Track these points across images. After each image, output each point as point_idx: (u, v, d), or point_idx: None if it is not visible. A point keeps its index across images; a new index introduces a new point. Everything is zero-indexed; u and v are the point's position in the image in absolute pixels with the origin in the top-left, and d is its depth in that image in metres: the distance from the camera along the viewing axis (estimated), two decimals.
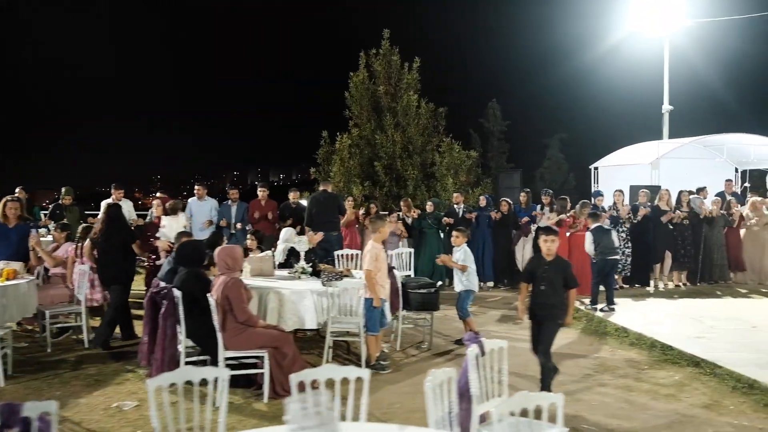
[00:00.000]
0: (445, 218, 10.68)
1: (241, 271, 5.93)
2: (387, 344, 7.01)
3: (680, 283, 10.75)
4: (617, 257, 8.67)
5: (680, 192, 10.81)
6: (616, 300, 8.67)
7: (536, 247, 10.44)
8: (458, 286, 7.01)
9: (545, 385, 5.20)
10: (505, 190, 12.45)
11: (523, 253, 10.85)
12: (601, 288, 8.73)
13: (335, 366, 3.17)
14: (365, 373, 3.14)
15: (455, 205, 11.13)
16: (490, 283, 10.94)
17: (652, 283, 10.66)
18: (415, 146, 17.52)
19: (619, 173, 14.60)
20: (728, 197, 13.08)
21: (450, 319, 8.14)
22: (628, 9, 17.10)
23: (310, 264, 7.07)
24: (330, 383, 3.12)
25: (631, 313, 8.50)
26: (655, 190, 12.04)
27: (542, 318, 5.17)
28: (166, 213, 7.06)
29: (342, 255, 8.97)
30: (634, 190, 11.77)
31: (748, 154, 14.14)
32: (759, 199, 11.35)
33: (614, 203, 11.02)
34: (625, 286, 10.39)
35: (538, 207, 10.59)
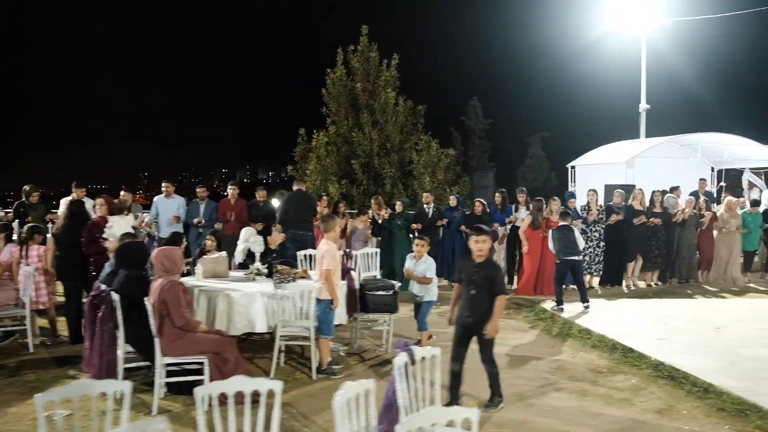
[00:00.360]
0: (414, 225, 10.37)
1: (186, 273, 5.75)
2: (345, 347, 6.85)
3: (652, 283, 10.65)
4: (577, 258, 8.51)
5: (653, 192, 10.71)
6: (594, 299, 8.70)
7: (510, 250, 10.35)
8: (419, 297, 6.86)
9: (495, 391, 5.06)
10: (480, 189, 12.29)
11: (497, 257, 10.71)
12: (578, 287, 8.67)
13: (245, 378, 3.00)
14: (277, 385, 2.97)
15: (425, 205, 10.88)
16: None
17: (624, 282, 10.57)
18: (392, 144, 17.39)
19: (596, 172, 14.52)
20: (701, 196, 13.05)
21: (413, 320, 8.00)
22: (607, 7, 17.00)
23: (266, 265, 6.89)
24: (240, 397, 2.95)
25: (599, 313, 8.39)
26: (629, 189, 11.96)
27: (470, 325, 4.91)
28: (112, 212, 6.83)
29: (306, 255, 8.79)
30: (609, 189, 11.67)
31: (723, 154, 14.10)
32: (734, 199, 11.26)
33: (587, 203, 10.91)
34: (594, 286, 10.26)
35: (513, 208, 10.42)
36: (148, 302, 4.95)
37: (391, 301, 6.75)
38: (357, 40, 18.03)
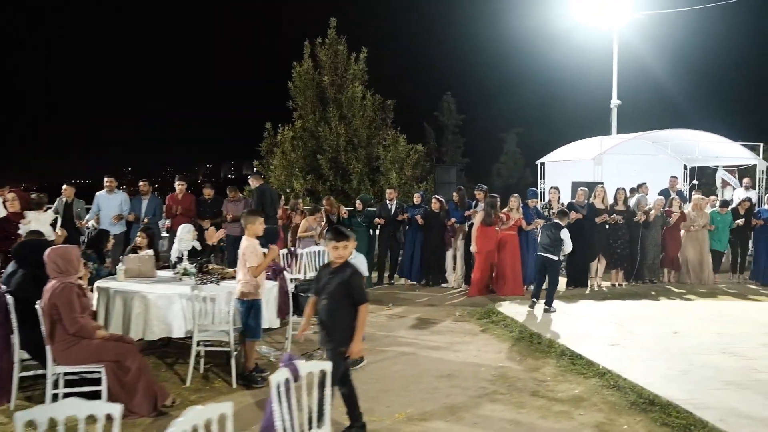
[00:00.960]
0: (377, 219, 10.13)
1: (83, 275, 5.27)
2: (277, 352, 6.41)
3: (616, 283, 10.32)
4: (552, 257, 8.23)
5: (617, 190, 10.36)
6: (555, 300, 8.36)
7: (469, 248, 9.96)
8: None
9: (353, 417, 4.23)
10: (442, 186, 11.87)
11: (454, 254, 10.34)
12: None
13: (79, 401, 2.54)
14: (115, 409, 2.52)
15: (388, 202, 10.50)
16: (419, 284, 10.41)
17: (589, 283, 10.22)
18: (360, 139, 16.92)
19: (565, 169, 14.15)
20: (672, 195, 12.75)
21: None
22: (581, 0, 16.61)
23: (194, 264, 6.44)
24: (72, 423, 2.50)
25: (557, 315, 8.03)
26: (593, 186, 11.64)
27: (322, 341, 4.23)
28: (29, 207, 6.34)
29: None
30: (575, 186, 11.30)
31: (693, 151, 13.78)
32: (702, 198, 10.94)
33: (548, 201, 10.58)
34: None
35: (473, 204, 10.04)
36: (38, 306, 4.48)
37: None
38: (325, 32, 17.57)
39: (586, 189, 10.27)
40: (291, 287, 6.40)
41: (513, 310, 8.30)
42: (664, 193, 12.75)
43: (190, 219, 9.62)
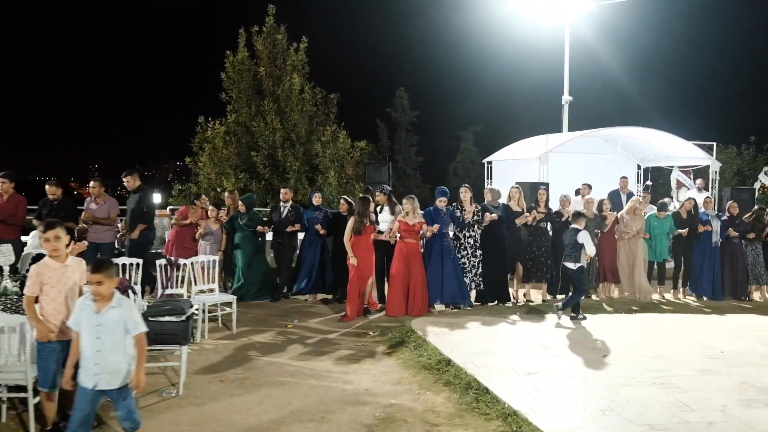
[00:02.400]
0: (260, 227, 8.76)
1: None
2: (170, 391, 5.29)
3: (543, 300, 9.09)
4: (564, 263, 7.99)
5: (538, 191, 9.34)
6: (467, 321, 7.48)
7: (379, 260, 8.87)
8: None
9: None
10: (373, 185, 10.78)
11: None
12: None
13: None
14: None
15: (282, 204, 9.09)
16: (322, 296, 9.18)
17: (512, 296, 8.99)
18: (299, 135, 15.80)
19: (511, 169, 13.26)
20: (623, 196, 11.89)
21: (226, 349, 6.53)
22: None
23: (19, 282, 5.27)
24: None
25: (471, 335, 7.04)
26: (538, 187, 10.72)
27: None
28: None
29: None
30: (525, 188, 10.23)
31: (644, 150, 12.97)
32: (640, 200, 9.94)
33: (460, 203, 9.49)
34: (474, 303, 8.68)
35: (378, 209, 8.86)
36: None
37: (180, 329, 5.22)
38: (263, 20, 16.41)
39: (493, 189, 9.18)
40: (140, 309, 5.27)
41: (433, 329, 7.29)
42: (614, 194, 11.90)
43: (14, 226, 7.98)
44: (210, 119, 15.87)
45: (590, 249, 7.87)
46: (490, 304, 8.77)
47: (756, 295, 9.93)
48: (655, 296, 9.66)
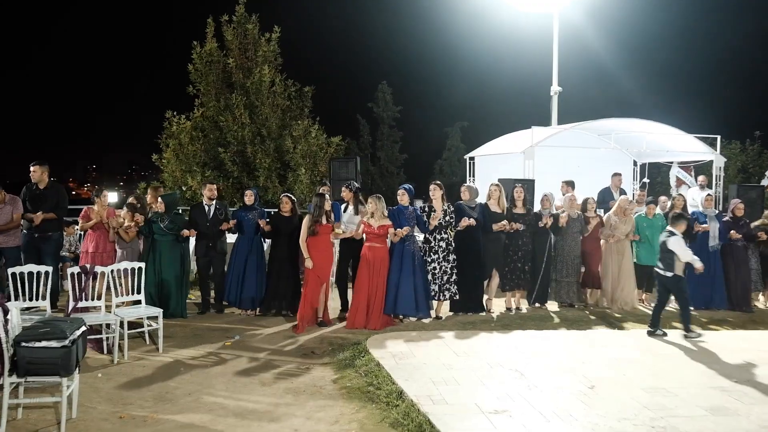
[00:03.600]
0: (185, 231, 7.60)
1: None
2: None
3: (517, 307, 8.17)
4: (658, 270, 7.07)
5: (514, 188, 8.30)
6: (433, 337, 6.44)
7: (342, 263, 7.95)
8: None
9: None
10: (339, 182, 9.72)
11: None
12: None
13: None
14: None
15: (206, 203, 7.93)
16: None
17: (486, 306, 8.01)
18: (269, 130, 14.72)
19: (495, 164, 12.24)
20: (615, 194, 10.85)
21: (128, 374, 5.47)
22: None
23: None
24: None
25: (440, 357, 5.97)
26: (529, 183, 9.75)
27: None
28: None
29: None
30: (507, 184, 9.19)
31: (640, 143, 11.91)
32: (628, 200, 8.86)
33: (429, 202, 8.47)
34: (441, 315, 7.72)
35: (342, 207, 7.84)
36: None
37: (60, 357, 4.16)
38: (233, 9, 15.35)
39: (471, 187, 8.15)
40: (4, 333, 4.20)
41: (392, 348, 6.25)
42: (605, 192, 10.87)
43: None
44: (175, 113, 14.76)
45: (683, 256, 6.81)
46: (461, 314, 7.76)
47: (759, 303, 8.95)
48: (642, 307, 8.65)
